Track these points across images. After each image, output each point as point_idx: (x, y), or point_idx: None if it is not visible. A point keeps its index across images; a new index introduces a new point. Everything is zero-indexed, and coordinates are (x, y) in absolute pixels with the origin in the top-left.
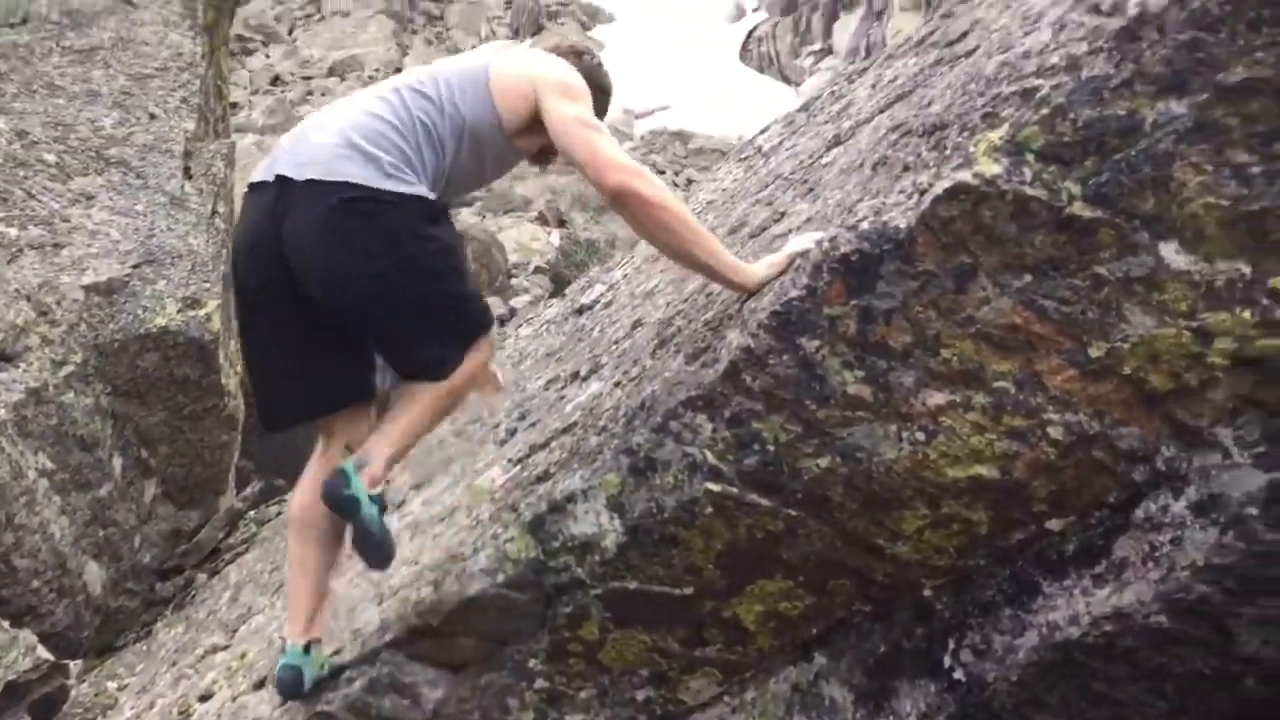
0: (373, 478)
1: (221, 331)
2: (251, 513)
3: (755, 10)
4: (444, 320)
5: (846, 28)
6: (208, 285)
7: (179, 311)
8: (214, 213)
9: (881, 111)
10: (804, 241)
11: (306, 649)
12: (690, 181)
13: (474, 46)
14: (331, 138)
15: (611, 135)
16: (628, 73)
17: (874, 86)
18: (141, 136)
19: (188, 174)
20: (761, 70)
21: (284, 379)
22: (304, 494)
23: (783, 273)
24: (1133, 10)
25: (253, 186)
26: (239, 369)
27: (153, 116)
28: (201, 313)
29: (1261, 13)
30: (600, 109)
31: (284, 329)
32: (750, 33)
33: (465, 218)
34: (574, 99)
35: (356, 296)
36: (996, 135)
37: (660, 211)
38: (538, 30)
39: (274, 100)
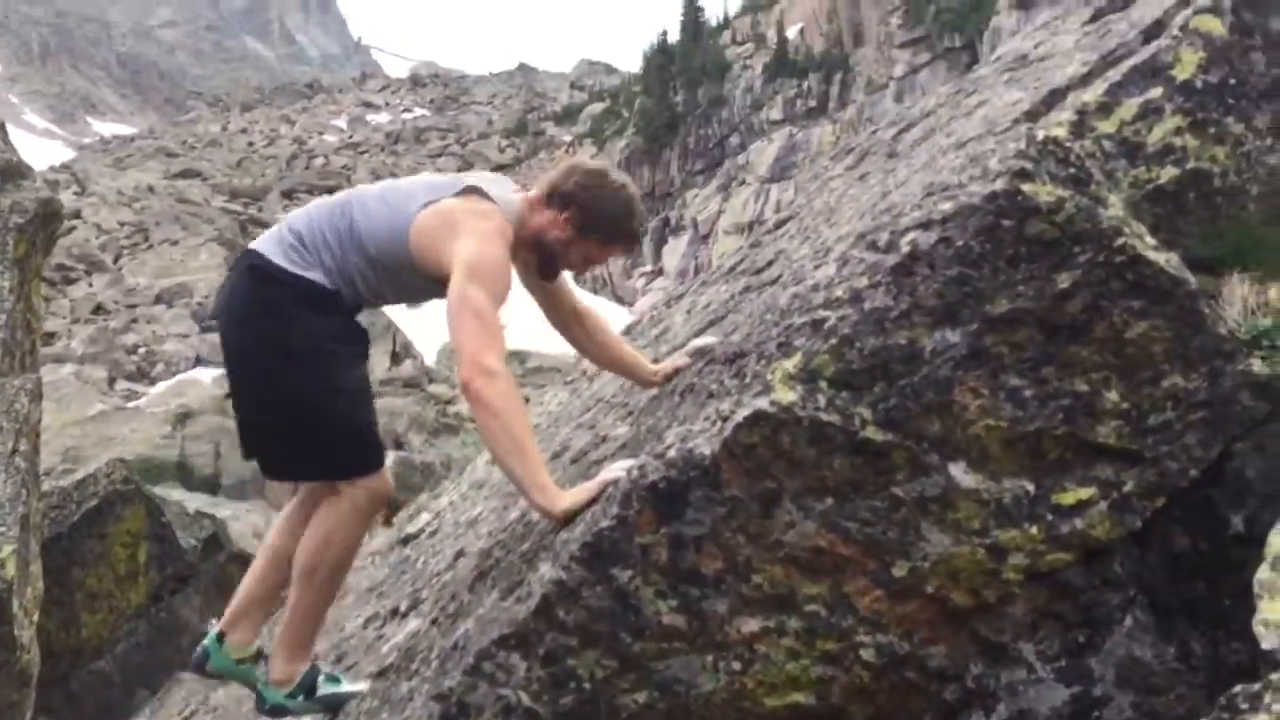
0: (279, 681)
1: (16, 579)
2: None
3: None
4: (303, 418)
5: (676, 250)
6: (3, 529)
7: None
8: (14, 451)
9: (694, 336)
10: (615, 470)
11: (220, 637)
12: (526, 400)
13: None
14: (279, 225)
15: (497, 325)
16: None
17: (689, 312)
18: None
19: None
20: (595, 291)
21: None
22: (277, 534)
23: (594, 500)
24: (905, 248)
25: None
26: (34, 618)
27: None
28: None
29: (1019, 250)
30: (604, 245)
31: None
32: None
33: None
34: (474, 281)
35: (232, 356)
36: (791, 364)
37: (491, 417)
38: None
39: (95, 329)
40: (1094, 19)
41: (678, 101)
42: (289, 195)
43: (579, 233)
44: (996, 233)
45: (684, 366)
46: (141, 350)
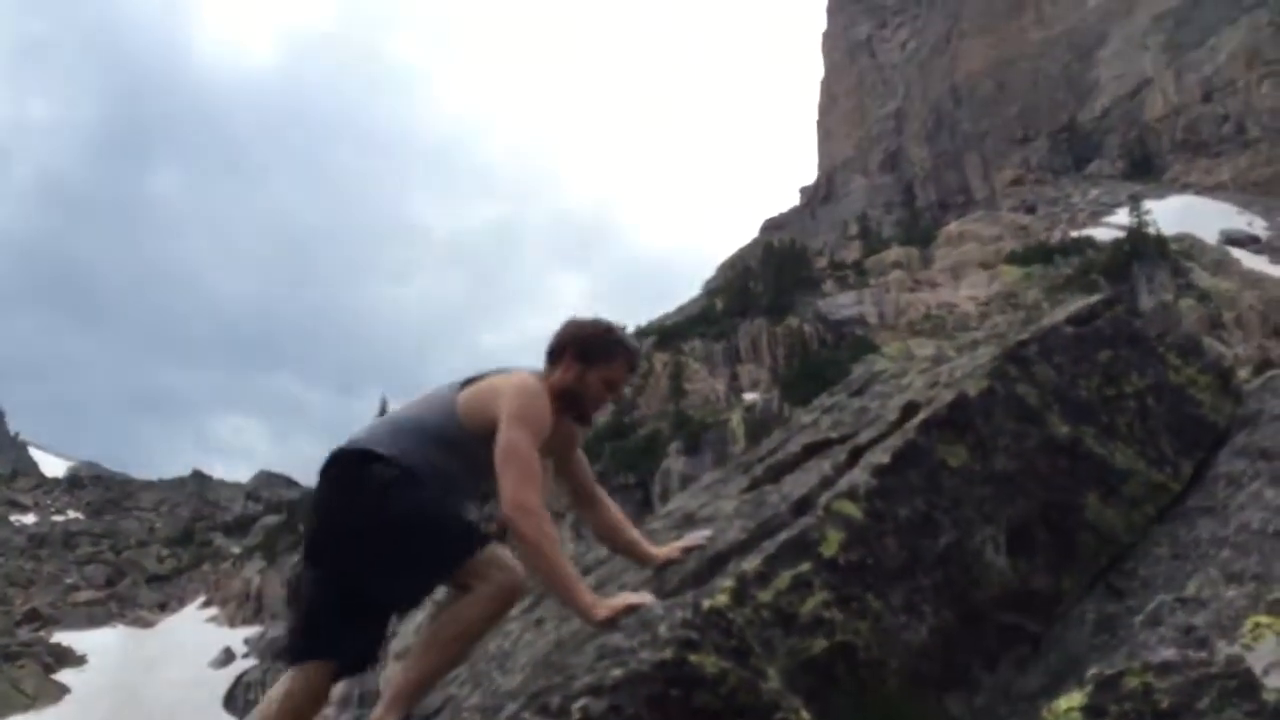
0: None
1: None
2: None
3: (245, 655)
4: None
5: None
6: None
7: None
8: None
9: None
10: (646, 595)
11: None
12: None
13: None
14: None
15: (536, 466)
16: None
17: None
18: None
19: None
20: None
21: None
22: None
23: (630, 609)
24: (576, 715)
25: None
26: None
27: None
28: None
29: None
30: (608, 364)
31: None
32: (239, 678)
33: None
34: (519, 425)
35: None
36: None
37: (530, 546)
38: None
39: None
40: (751, 487)
41: None
42: None
43: (584, 364)
44: (665, 702)
45: (683, 553)
46: None
